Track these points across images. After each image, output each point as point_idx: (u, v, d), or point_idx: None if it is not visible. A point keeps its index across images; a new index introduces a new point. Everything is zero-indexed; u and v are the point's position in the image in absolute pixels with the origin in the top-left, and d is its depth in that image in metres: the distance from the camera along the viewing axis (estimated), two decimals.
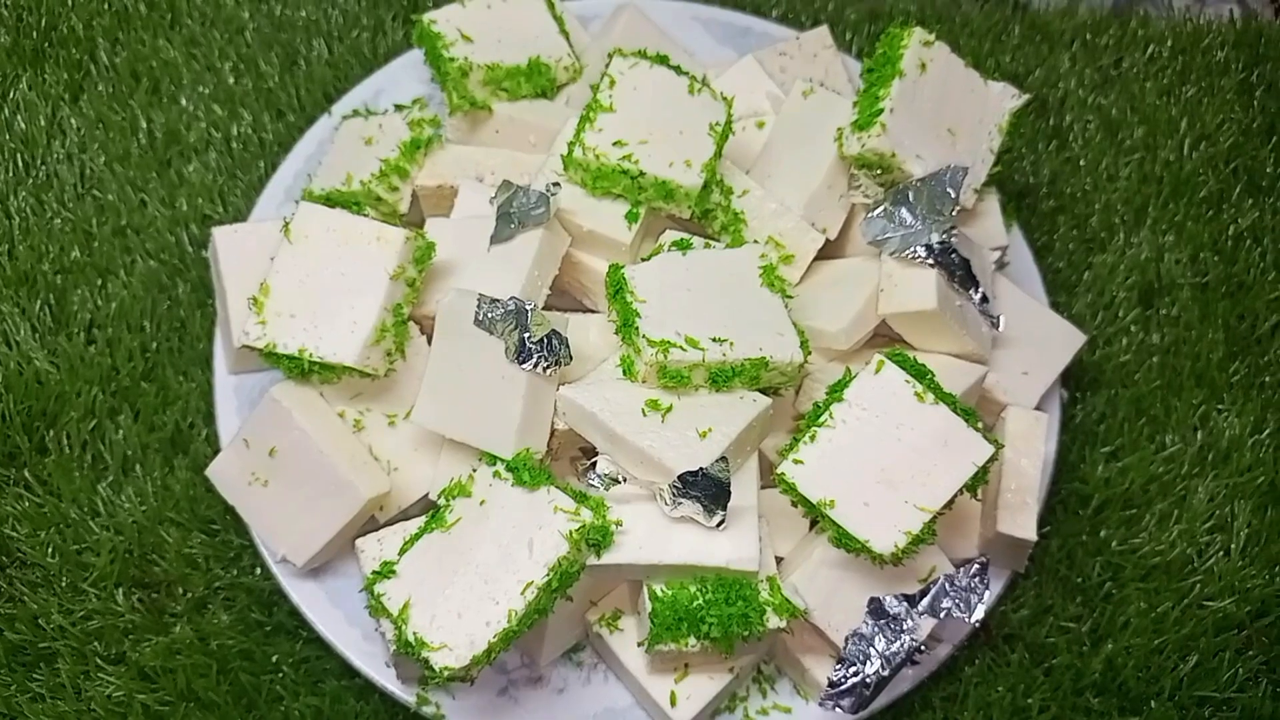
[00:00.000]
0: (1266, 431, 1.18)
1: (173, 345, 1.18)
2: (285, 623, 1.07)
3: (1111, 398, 1.21)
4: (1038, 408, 1.11)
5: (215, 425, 1.11)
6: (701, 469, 0.89)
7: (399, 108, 1.20)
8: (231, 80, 1.32)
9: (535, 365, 0.93)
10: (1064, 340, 1.13)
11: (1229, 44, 1.42)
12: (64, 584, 1.07)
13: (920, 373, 0.94)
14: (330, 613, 1.03)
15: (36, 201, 1.24)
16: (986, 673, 1.08)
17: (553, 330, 0.95)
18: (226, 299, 1.09)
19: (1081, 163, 1.34)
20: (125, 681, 1.03)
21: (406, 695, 1.00)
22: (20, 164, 1.26)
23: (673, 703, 0.97)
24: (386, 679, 1.01)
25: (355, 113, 1.23)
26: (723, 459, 0.89)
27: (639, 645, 0.97)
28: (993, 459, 0.92)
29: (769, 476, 0.99)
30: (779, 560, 0.99)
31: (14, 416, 1.13)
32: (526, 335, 0.93)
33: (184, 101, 1.31)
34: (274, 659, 1.05)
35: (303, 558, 1.01)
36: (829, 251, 1.12)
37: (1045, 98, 1.38)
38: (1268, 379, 1.21)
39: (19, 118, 1.28)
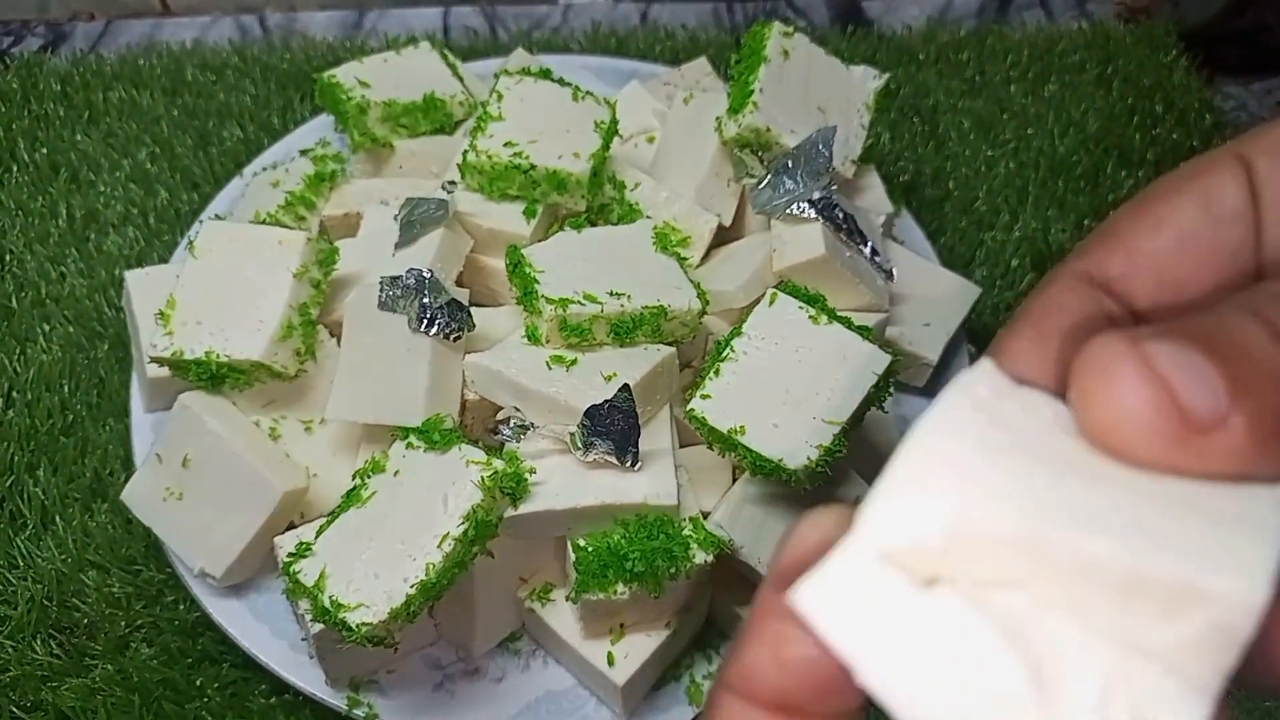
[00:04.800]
0: None
1: (91, 400, 1.18)
2: (210, 650, 1.03)
3: None
4: (943, 359, 1.14)
5: (133, 468, 1.11)
6: (607, 401, 0.90)
7: (304, 152, 1.26)
8: (148, 165, 1.38)
9: (438, 331, 0.95)
10: (961, 294, 1.18)
11: (1081, 47, 1.54)
12: None
13: (812, 299, 0.97)
14: (254, 628, 1.00)
15: None
16: None
17: (453, 299, 0.97)
18: (139, 338, 1.10)
19: (961, 158, 1.42)
20: None
21: (337, 699, 0.96)
22: None
23: (610, 663, 0.94)
24: (315, 685, 0.97)
25: (265, 169, 1.28)
26: (625, 387, 0.90)
27: (567, 599, 0.94)
28: (892, 368, 0.94)
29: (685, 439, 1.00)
30: (704, 516, 0.99)
31: None
32: (427, 301, 0.95)
33: (102, 186, 1.36)
34: (199, 683, 1.00)
35: (222, 566, 0.98)
36: (725, 240, 1.17)
37: (919, 106, 1.47)
38: None
39: None
